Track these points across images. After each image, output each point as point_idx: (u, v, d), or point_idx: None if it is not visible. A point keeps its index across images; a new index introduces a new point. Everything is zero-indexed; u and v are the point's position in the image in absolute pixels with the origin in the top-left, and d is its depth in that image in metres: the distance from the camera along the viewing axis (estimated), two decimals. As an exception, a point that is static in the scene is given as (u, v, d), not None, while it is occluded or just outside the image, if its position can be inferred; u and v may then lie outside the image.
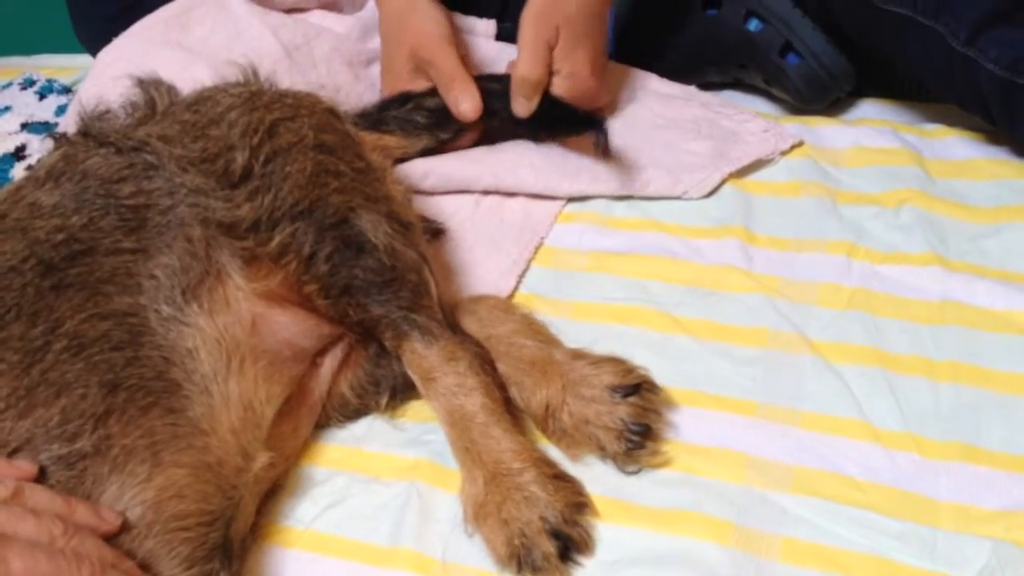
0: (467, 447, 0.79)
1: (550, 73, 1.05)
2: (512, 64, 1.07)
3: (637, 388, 0.80)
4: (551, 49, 1.04)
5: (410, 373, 0.84)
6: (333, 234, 0.83)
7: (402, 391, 0.88)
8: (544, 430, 0.82)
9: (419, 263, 0.86)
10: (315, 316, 0.85)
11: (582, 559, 0.74)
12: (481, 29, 1.25)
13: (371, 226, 0.84)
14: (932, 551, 0.71)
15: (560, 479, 0.77)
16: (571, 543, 0.74)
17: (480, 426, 0.79)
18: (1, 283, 0.74)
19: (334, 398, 0.88)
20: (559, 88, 1.05)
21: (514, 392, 0.83)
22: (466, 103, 1.07)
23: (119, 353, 0.73)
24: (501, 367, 0.84)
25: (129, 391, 0.71)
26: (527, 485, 0.75)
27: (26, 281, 0.74)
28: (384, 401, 0.88)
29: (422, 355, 0.82)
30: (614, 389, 0.80)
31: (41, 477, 0.67)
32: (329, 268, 0.82)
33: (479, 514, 0.76)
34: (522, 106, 1.04)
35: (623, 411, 0.79)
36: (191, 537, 0.69)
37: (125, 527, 0.66)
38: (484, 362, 0.82)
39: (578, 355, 0.84)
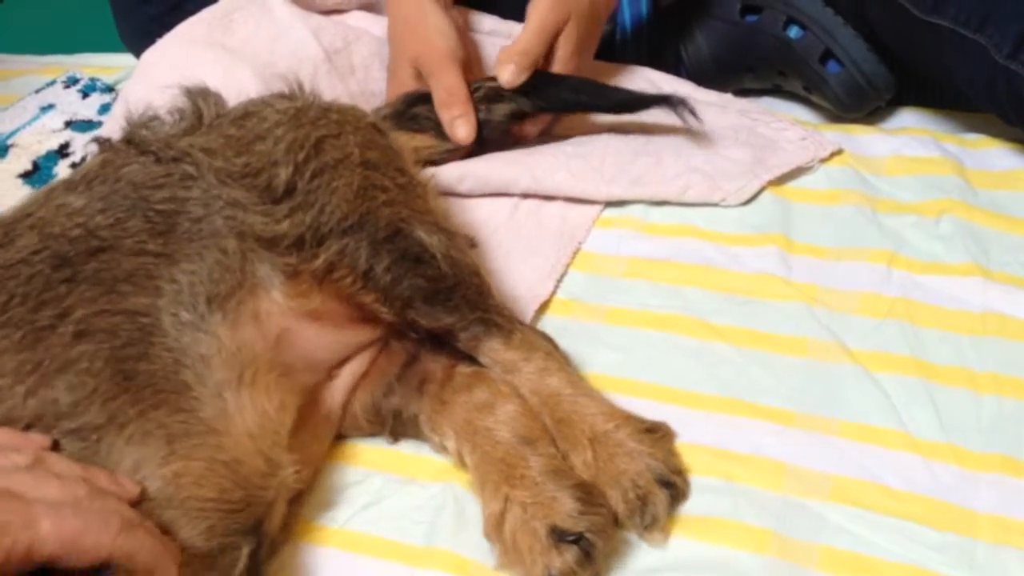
0: (561, 419, 0.81)
1: (548, 53, 1.07)
2: (505, 49, 1.08)
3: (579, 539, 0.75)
4: (556, 35, 1.06)
5: (490, 368, 0.85)
6: (389, 247, 0.83)
7: (401, 434, 0.88)
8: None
9: (475, 266, 0.88)
10: (350, 327, 0.85)
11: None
12: (504, 30, 1.25)
13: (425, 236, 0.85)
14: (971, 562, 0.71)
15: (652, 432, 0.79)
16: (676, 491, 0.77)
17: (568, 399, 0.81)
18: (8, 273, 0.73)
19: (350, 416, 0.88)
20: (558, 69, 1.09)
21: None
22: (462, 129, 1.06)
23: (131, 348, 0.72)
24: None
25: (139, 383, 0.71)
26: (625, 441, 0.78)
27: (34, 272, 0.73)
28: (386, 434, 0.88)
29: (503, 352, 0.85)
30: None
31: (55, 450, 0.66)
32: (391, 280, 0.83)
33: (596, 479, 0.77)
34: (510, 73, 1.05)
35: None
36: (212, 518, 0.69)
37: (144, 496, 0.66)
38: (555, 345, 0.86)
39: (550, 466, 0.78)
